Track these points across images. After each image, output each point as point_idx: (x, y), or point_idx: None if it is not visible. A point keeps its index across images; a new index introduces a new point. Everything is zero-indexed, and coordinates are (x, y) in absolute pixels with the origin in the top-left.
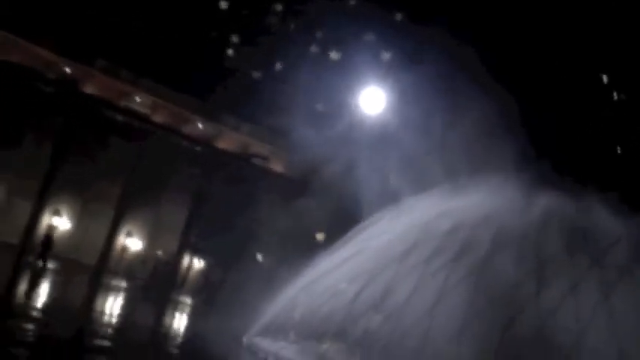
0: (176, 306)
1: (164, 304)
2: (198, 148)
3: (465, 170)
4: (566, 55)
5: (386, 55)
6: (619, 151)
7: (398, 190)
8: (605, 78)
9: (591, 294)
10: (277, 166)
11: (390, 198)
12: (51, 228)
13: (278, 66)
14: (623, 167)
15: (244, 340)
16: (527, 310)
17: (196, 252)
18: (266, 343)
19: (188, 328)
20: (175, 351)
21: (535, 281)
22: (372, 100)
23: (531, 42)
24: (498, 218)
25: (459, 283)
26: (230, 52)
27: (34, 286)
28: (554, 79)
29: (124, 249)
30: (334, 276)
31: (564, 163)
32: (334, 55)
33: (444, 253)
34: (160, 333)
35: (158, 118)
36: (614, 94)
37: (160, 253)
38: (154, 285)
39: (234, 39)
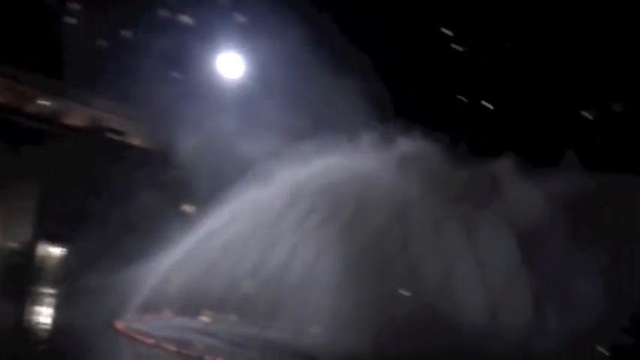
0: (37, 299)
1: (23, 299)
2: (44, 127)
3: (325, 130)
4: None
5: (241, 19)
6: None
7: (262, 154)
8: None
9: (455, 231)
10: (136, 140)
11: (255, 162)
12: None
13: (126, 33)
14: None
15: (118, 324)
16: (398, 257)
17: (53, 239)
18: (143, 325)
19: (54, 320)
20: (43, 346)
21: (402, 226)
22: (230, 65)
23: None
24: (362, 172)
25: (333, 240)
26: (71, 20)
27: None
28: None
29: None
30: (208, 246)
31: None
32: (186, 19)
33: (316, 212)
34: (23, 329)
35: None
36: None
37: (12, 244)
38: (9, 279)
39: (75, 6)
